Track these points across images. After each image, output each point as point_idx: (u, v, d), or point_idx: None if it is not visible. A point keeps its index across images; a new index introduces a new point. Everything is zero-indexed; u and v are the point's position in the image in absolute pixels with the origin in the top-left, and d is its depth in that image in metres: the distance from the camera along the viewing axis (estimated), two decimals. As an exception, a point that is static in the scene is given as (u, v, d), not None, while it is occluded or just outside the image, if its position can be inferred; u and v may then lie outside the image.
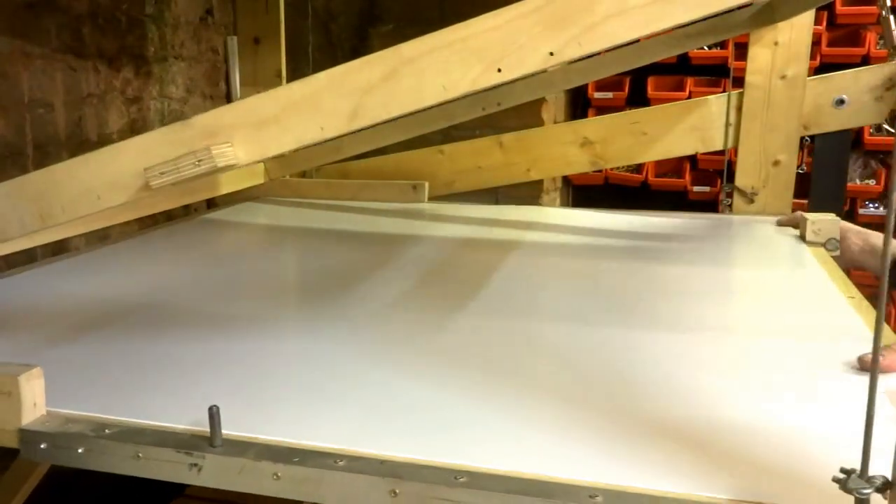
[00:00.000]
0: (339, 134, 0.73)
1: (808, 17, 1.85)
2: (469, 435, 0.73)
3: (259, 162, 2.07)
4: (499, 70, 0.67)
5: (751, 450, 0.69)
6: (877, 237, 1.48)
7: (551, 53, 0.66)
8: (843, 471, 0.55)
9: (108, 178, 0.77)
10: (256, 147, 0.74)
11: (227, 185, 1.93)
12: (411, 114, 0.72)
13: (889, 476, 0.54)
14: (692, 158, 2.66)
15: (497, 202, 2.18)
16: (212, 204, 2.12)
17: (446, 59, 0.69)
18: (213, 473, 0.67)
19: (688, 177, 2.73)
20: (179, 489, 1.79)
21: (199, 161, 0.70)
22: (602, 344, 1.00)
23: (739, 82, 1.93)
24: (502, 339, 1.03)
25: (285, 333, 1.05)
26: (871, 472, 0.55)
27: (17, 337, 1.02)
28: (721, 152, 2.00)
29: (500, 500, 0.61)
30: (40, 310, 1.15)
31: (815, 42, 2.17)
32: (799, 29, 1.86)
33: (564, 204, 2.79)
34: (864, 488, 0.54)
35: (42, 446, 0.71)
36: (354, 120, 0.72)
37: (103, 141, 1.87)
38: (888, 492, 0.55)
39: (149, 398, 0.81)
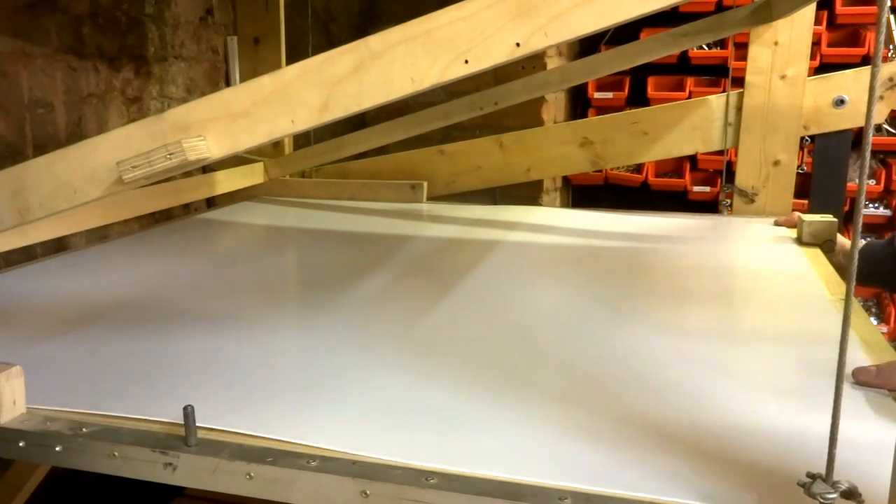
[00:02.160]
0: (309, 126, 0.73)
1: (809, 16, 1.84)
2: (458, 435, 0.74)
3: (258, 161, 2.08)
4: (466, 62, 0.67)
5: (729, 452, 0.69)
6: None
7: (518, 44, 0.66)
8: (808, 475, 0.55)
9: (83, 172, 0.78)
10: (228, 140, 0.74)
11: (226, 185, 1.94)
12: (382, 105, 0.72)
13: (873, 480, 0.54)
14: (692, 158, 2.66)
15: (496, 202, 2.18)
16: (211, 203, 2.13)
17: (413, 51, 0.69)
18: (187, 473, 0.68)
19: (688, 177, 2.72)
20: (179, 489, 1.80)
21: (170, 154, 0.71)
22: (598, 344, 1.00)
23: (739, 82, 1.93)
24: (498, 339, 1.03)
25: (282, 333, 1.06)
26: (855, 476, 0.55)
27: (9, 334, 1.02)
28: (721, 152, 2.00)
29: (470, 501, 0.62)
30: (36, 307, 1.16)
31: (815, 42, 2.16)
32: (799, 29, 1.85)
33: (564, 204, 2.79)
34: (829, 493, 0.54)
35: (20, 444, 0.72)
36: (325, 112, 0.72)
37: (103, 140, 1.88)
38: (857, 498, 0.55)
39: (137, 395, 0.82)
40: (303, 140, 2.28)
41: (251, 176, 2.03)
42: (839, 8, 2.50)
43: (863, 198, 0.57)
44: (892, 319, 2.39)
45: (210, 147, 0.74)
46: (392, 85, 0.70)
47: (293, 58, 2.15)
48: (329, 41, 2.60)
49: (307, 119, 0.72)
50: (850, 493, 0.55)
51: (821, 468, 0.56)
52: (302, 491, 0.65)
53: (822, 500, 0.55)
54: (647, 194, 2.76)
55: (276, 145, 2.12)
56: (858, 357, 0.91)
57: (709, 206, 2.59)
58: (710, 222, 1.88)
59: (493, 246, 1.60)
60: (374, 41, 0.70)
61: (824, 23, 2.52)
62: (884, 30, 0.54)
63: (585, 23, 0.65)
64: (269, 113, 0.73)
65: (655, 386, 0.85)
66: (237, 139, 0.74)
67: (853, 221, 0.54)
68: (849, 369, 0.86)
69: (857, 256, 0.55)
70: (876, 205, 2.55)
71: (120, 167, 0.71)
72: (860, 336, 0.98)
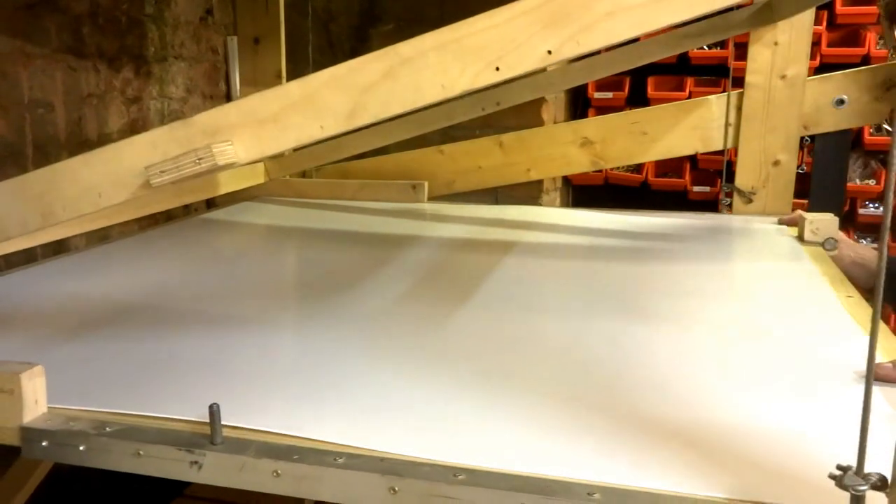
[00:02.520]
0: (338, 132, 0.73)
1: (808, 17, 1.85)
2: (469, 432, 0.73)
3: (259, 161, 2.08)
4: (497, 69, 0.67)
5: (747, 448, 0.69)
6: (866, 250, 1.48)
7: (549, 52, 0.66)
8: (839, 467, 0.55)
9: (109, 176, 0.77)
10: (256, 145, 0.74)
11: (226, 185, 1.93)
12: (411, 112, 0.72)
13: (886, 474, 0.54)
14: (692, 158, 2.66)
15: (496, 202, 2.18)
16: (211, 204, 2.12)
17: (444, 58, 0.69)
18: (213, 471, 0.67)
19: (688, 177, 2.72)
20: (179, 489, 1.79)
21: (199, 159, 0.70)
22: (601, 343, 1.00)
23: (739, 82, 1.94)
24: (502, 338, 1.03)
25: (285, 332, 1.06)
26: (869, 469, 0.55)
27: (17, 335, 1.02)
28: (721, 152, 2.00)
29: (499, 497, 0.61)
30: (41, 308, 1.16)
31: (815, 42, 2.17)
32: (799, 29, 1.86)
33: (564, 204, 2.78)
34: (860, 485, 0.54)
35: (43, 444, 0.71)
36: (353, 118, 0.72)
37: (103, 141, 1.87)
38: (889, 489, 0.55)
39: (150, 395, 0.81)
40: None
41: (252, 176, 2.02)
42: (839, 8, 2.51)
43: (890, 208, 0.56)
44: (893, 319, 2.40)
45: (238, 152, 0.73)
46: (422, 91, 0.70)
47: (293, 58, 2.16)
48: (329, 41, 2.59)
49: (336, 125, 0.72)
50: (882, 485, 0.55)
51: (830, 466, 0.56)
52: (330, 488, 0.65)
53: (853, 492, 0.55)
54: (647, 194, 2.76)
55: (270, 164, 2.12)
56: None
57: (709, 206, 2.59)
58: (709, 222, 1.88)
59: (493, 246, 1.60)
60: (405, 48, 0.70)
61: (824, 23, 2.53)
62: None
63: (617, 31, 0.65)
64: (297, 119, 0.73)
65: (662, 383, 0.86)
66: (265, 144, 0.74)
67: (881, 228, 0.54)
68: (862, 366, 0.86)
69: (885, 257, 0.55)
70: (876, 205, 2.56)
71: (148, 171, 0.70)
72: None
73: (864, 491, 0.55)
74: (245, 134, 0.73)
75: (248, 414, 0.74)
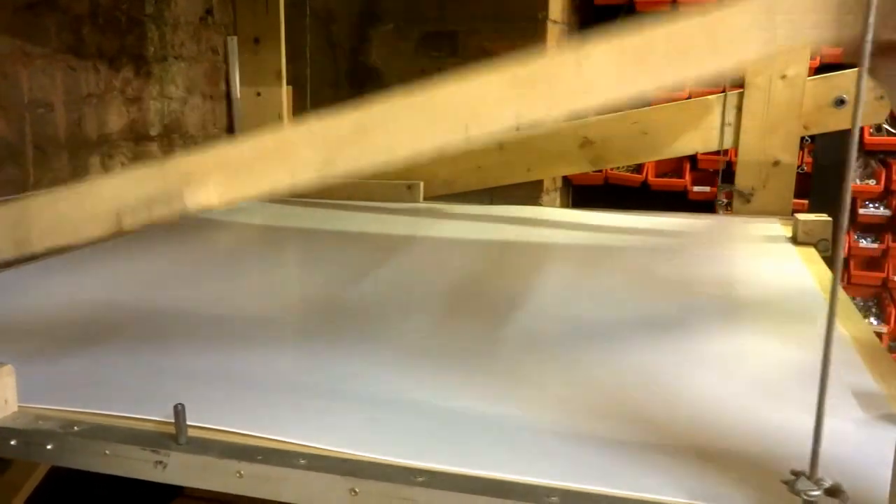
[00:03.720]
0: (310, 182, 0.73)
1: (808, 16, 1.84)
2: (443, 434, 0.74)
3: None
4: (467, 130, 0.67)
5: (718, 449, 0.70)
6: None
7: (518, 117, 0.66)
8: (792, 472, 0.55)
9: (84, 213, 0.77)
10: (230, 191, 0.74)
11: None
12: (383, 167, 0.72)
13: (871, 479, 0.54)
14: (692, 158, 2.65)
15: (491, 202, 2.18)
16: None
17: (416, 119, 0.69)
18: (177, 471, 0.68)
19: (688, 177, 2.72)
20: (179, 489, 1.80)
21: (170, 203, 0.70)
22: (593, 344, 1.00)
23: (739, 82, 1.93)
24: (499, 338, 1.03)
25: (277, 333, 1.06)
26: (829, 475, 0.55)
27: (5, 336, 1.03)
28: (721, 152, 2.00)
29: (458, 499, 0.62)
30: (32, 308, 1.17)
31: (816, 42, 2.15)
32: (798, 29, 1.85)
33: (564, 204, 2.78)
34: (813, 490, 0.54)
35: (12, 443, 0.72)
36: (325, 169, 0.72)
37: (103, 141, 1.89)
38: (841, 496, 0.55)
39: (132, 394, 0.82)
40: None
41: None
42: (840, 8, 2.49)
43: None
44: (893, 319, 2.39)
45: (210, 197, 0.73)
46: (393, 149, 0.70)
47: (293, 58, 2.16)
48: (329, 41, 2.60)
49: (307, 176, 0.72)
50: (835, 491, 0.55)
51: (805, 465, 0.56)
52: (292, 489, 0.65)
53: (805, 498, 0.55)
54: (647, 194, 2.76)
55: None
56: (851, 356, 0.91)
57: (709, 206, 2.58)
58: (708, 222, 1.88)
59: (499, 246, 1.61)
60: (379, 109, 0.70)
61: (825, 23, 2.51)
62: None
63: (581, 103, 0.66)
64: (270, 168, 0.73)
65: (651, 382, 0.86)
66: (239, 190, 0.74)
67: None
68: (837, 367, 0.86)
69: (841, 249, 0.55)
70: (876, 205, 2.55)
71: (120, 213, 0.71)
72: (852, 335, 0.98)
73: (816, 497, 0.55)
74: (219, 179, 0.73)
75: (219, 415, 0.75)
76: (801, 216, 1.58)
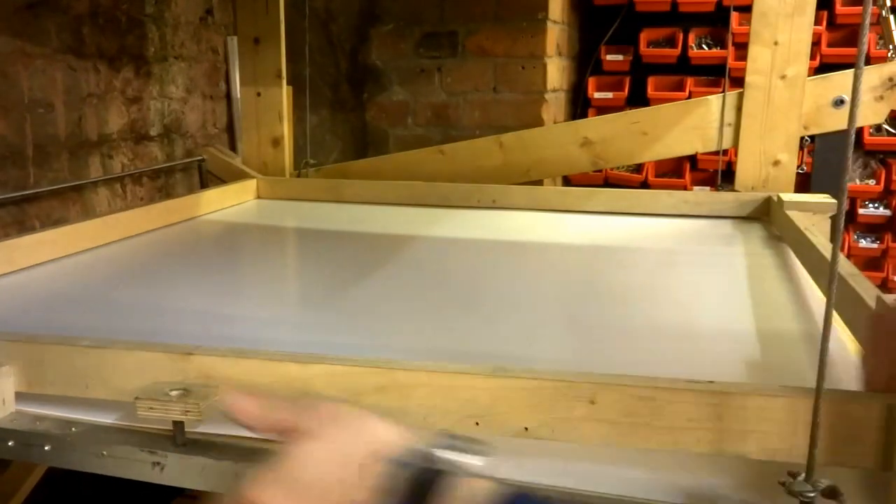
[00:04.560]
0: None
1: (809, 16, 1.84)
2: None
3: (252, 178, 2.08)
4: (476, 423, 0.68)
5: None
6: None
7: (526, 429, 0.67)
8: (789, 474, 0.55)
9: (99, 374, 0.76)
10: None
11: (216, 204, 1.90)
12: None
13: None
14: (692, 158, 2.66)
15: (493, 202, 2.18)
16: (211, 203, 2.13)
17: (434, 399, 0.69)
18: (175, 473, 0.68)
19: (688, 177, 2.73)
20: (179, 489, 1.80)
21: (187, 412, 0.68)
22: (591, 343, 1.00)
23: (739, 82, 1.93)
24: (498, 338, 1.03)
25: (283, 332, 1.06)
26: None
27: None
28: (721, 152, 2.00)
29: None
30: (36, 308, 1.16)
31: (815, 42, 2.16)
32: (799, 29, 1.85)
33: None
34: (809, 492, 0.54)
35: (10, 444, 0.72)
36: None
37: (103, 141, 1.89)
38: (838, 497, 0.55)
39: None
40: (299, 151, 2.28)
41: (242, 194, 2.02)
42: (839, 8, 2.50)
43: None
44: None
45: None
46: (407, 414, 0.69)
47: (293, 58, 2.16)
48: (329, 41, 2.60)
49: None
50: (832, 492, 0.54)
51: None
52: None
53: (802, 499, 0.55)
54: (647, 194, 2.76)
55: (269, 164, 2.12)
56: (845, 354, 0.91)
57: (709, 206, 2.59)
58: (708, 222, 1.88)
59: (498, 246, 1.61)
60: (400, 373, 0.70)
61: (824, 23, 2.52)
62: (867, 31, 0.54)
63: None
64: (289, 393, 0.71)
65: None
66: None
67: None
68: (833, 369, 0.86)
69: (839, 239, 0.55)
70: (876, 205, 2.55)
71: (138, 402, 0.69)
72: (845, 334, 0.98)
73: (812, 498, 0.55)
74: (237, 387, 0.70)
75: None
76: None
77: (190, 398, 0.67)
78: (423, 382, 0.69)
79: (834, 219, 1.37)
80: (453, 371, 0.69)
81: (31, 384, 0.77)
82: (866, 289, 0.88)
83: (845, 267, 0.98)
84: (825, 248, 1.15)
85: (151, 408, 0.68)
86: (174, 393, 0.68)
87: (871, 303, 0.80)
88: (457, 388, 0.68)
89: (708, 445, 0.63)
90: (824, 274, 1.10)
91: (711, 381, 0.63)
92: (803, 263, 1.29)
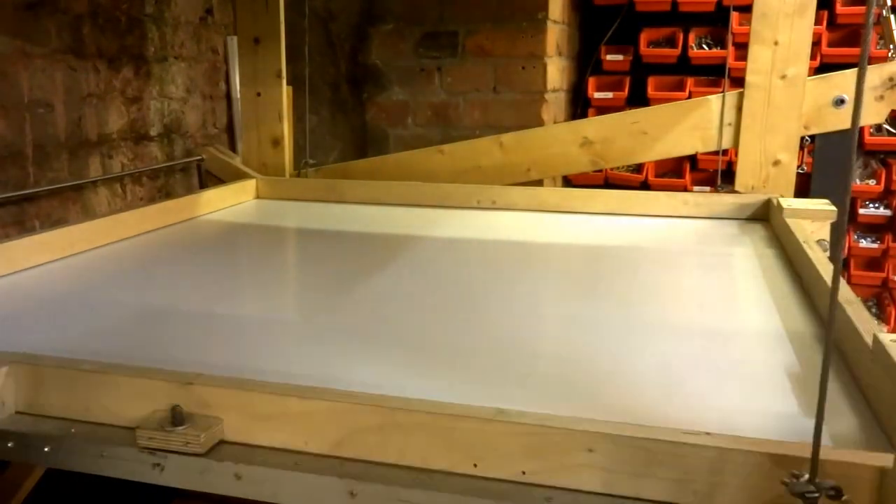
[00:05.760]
0: (321, 453, 0.71)
1: (809, 16, 1.84)
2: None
3: (251, 178, 2.08)
4: (475, 465, 0.67)
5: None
6: None
7: (523, 472, 0.66)
8: (792, 474, 0.55)
9: (102, 404, 0.76)
10: (242, 433, 0.72)
11: (215, 204, 1.91)
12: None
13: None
14: (692, 158, 2.66)
15: (493, 203, 2.18)
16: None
17: (433, 439, 0.68)
18: (175, 474, 0.68)
19: (688, 177, 2.72)
20: (180, 489, 1.80)
21: (187, 444, 0.68)
22: (589, 343, 1.00)
23: (738, 82, 1.93)
24: (498, 338, 1.03)
25: (283, 332, 1.06)
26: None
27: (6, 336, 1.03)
28: (721, 152, 2.00)
29: (456, 500, 0.62)
30: (35, 308, 1.16)
31: (815, 42, 2.16)
32: (799, 29, 1.85)
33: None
34: (813, 493, 0.54)
35: (9, 445, 0.72)
36: (339, 448, 0.70)
37: (103, 141, 1.89)
38: (841, 498, 0.55)
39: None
40: (298, 151, 2.28)
41: (242, 194, 2.02)
42: (839, 8, 2.50)
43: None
44: (893, 319, 2.39)
45: (226, 433, 0.72)
46: (403, 451, 0.69)
47: (293, 58, 2.16)
48: (329, 41, 2.60)
49: (319, 446, 0.70)
50: (835, 493, 0.55)
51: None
52: (290, 491, 0.65)
53: (806, 499, 0.55)
54: (647, 194, 2.76)
55: (269, 164, 2.13)
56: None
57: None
58: (707, 222, 1.88)
59: (498, 246, 1.61)
60: (399, 414, 0.69)
61: (824, 23, 2.52)
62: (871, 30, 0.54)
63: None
64: (289, 427, 0.71)
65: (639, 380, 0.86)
66: (251, 435, 0.72)
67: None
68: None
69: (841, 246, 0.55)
70: (876, 205, 2.55)
71: (137, 432, 0.70)
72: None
73: (816, 498, 0.55)
74: (236, 419, 0.72)
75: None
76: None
77: (190, 430, 0.68)
78: (423, 423, 0.68)
79: (833, 258, 1.36)
80: (453, 413, 0.68)
81: (31, 406, 0.77)
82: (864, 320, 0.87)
83: (844, 294, 0.97)
84: (823, 266, 1.14)
85: (152, 438, 0.68)
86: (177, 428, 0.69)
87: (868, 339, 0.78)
88: (456, 431, 0.67)
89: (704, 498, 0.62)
90: (821, 294, 1.10)
91: (709, 433, 0.63)
92: (800, 274, 1.29)
